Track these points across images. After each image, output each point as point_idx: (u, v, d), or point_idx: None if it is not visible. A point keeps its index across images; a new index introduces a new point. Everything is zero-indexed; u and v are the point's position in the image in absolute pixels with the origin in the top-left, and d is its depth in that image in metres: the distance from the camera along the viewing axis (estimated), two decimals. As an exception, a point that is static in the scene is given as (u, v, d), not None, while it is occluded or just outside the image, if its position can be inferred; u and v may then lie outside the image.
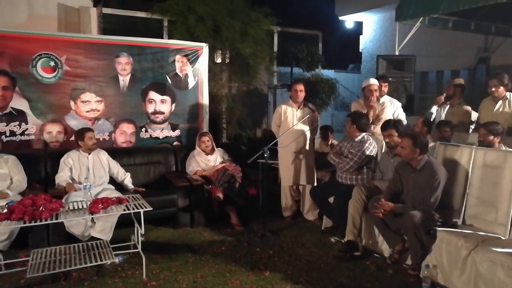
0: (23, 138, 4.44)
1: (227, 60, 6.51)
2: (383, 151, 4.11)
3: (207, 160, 4.81)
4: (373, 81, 4.40)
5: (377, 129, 4.30)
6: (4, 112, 4.34)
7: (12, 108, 4.37)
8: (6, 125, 4.35)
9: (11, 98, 4.36)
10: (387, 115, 4.38)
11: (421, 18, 6.19)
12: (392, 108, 4.55)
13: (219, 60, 6.43)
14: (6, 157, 3.89)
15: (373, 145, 4.00)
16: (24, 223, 2.84)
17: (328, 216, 4.28)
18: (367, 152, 3.95)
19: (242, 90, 6.63)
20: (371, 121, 4.30)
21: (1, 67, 4.28)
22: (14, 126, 4.39)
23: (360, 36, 11.65)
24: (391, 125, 3.83)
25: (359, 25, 11.66)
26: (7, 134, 4.35)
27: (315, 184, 4.72)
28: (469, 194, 3.35)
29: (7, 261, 3.21)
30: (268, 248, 3.84)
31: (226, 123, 6.56)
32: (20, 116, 4.41)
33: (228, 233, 4.23)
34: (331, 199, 4.21)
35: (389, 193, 3.48)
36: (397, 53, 6.45)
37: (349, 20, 11.52)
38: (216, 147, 4.93)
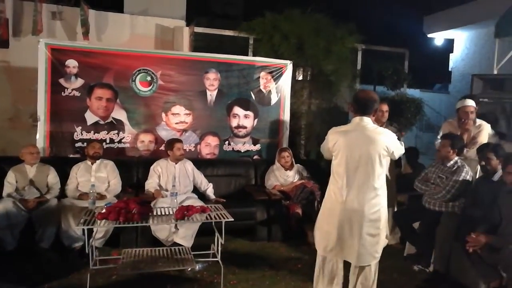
0: (120, 145, 4.86)
1: (309, 77, 6.53)
2: (476, 176, 3.80)
3: (286, 175, 4.83)
4: (470, 102, 4.09)
5: (471, 152, 3.99)
6: (106, 121, 4.80)
7: (113, 118, 4.82)
8: (107, 133, 4.80)
9: (113, 109, 4.81)
10: (484, 138, 4.05)
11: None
12: (489, 131, 4.20)
13: (300, 77, 6.48)
14: (106, 162, 4.29)
15: (469, 173, 3.70)
16: (119, 223, 3.08)
17: (412, 242, 4.03)
18: (461, 179, 3.66)
19: (322, 107, 6.59)
20: (465, 144, 4.00)
21: (107, 81, 4.76)
22: (114, 134, 4.83)
23: (450, 54, 10.99)
24: (489, 148, 3.54)
25: (448, 43, 11.02)
26: (107, 141, 4.80)
27: (395, 208, 4.50)
28: None
29: (101, 257, 3.49)
30: (346, 270, 3.71)
31: (305, 140, 6.55)
32: (119, 125, 4.84)
33: (305, 251, 4.18)
34: (415, 225, 3.98)
35: (486, 224, 3.18)
36: (495, 72, 5.97)
37: (438, 38, 10.95)
38: (296, 163, 4.94)
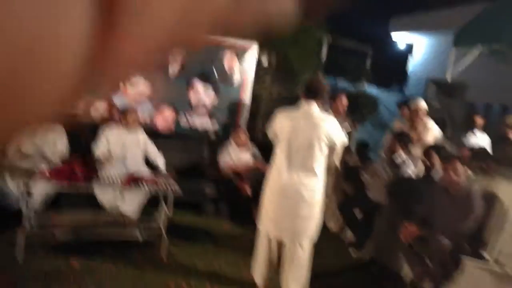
0: (72, 111, 4.64)
1: (273, 64, 6.55)
2: (419, 173, 4.02)
3: (240, 155, 4.86)
4: (422, 103, 4.32)
5: (417, 151, 4.21)
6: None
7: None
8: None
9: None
10: (430, 138, 4.29)
11: (480, 47, 6.00)
12: (434, 132, 4.44)
13: (265, 63, 6.49)
14: (53, 125, 4.10)
15: (412, 169, 3.92)
16: (62, 185, 3.01)
17: (352, 229, 4.22)
18: (404, 174, 3.87)
19: (283, 96, 6.65)
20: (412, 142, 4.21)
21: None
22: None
23: (410, 57, 11.44)
24: (433, 148, 3.76)
25: (410, 47, 11.45)
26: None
27: (340, 196, 4.67)
28: (505, 230, 3.21)
29: (40, 219, 3.37)
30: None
31: (262, 125, 6.60)
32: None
33: (250, 229, 4.23)
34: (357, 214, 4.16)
35: (420, 216, 3.39)
36: (449, 79, 6.29)
37: (401, 40, 11.35)
38: (250, 145, 4.98)
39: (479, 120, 4.80)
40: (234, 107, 5.51)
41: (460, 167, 3.17)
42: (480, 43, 5.74)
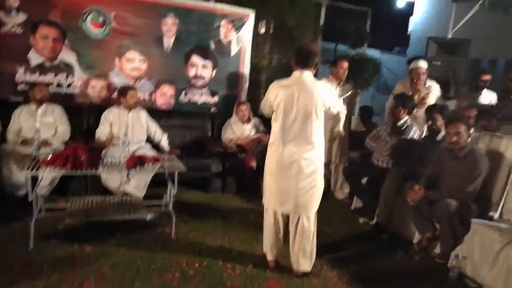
0: (68, 90, 4.59)
1: (271, 31, 6.39)
2: (423, 135, 3.98)
3: (243, 128, 4.83)
4: (422, 64, 4.21)
5: (420, 112, 4.15)
6: (54, 63, 4.48)
7: (61, 60, 4.50)
8: (55, 76, 4.50)
9: (61, 50, 4.48)
10: (432, 99, 4.21)
11: (481, 0, 5.80)
12: (437, 92, 4.36)
13: (263, 30, 6.33)
14: (53, 106, 4.06)
15: (416, 132, 3.87)
16: (66, 170, 2.98)
17: (360, 196, 4.23)
18: (409, 138, 3.83)
19: (283, 63, 6.53)
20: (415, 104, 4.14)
21: (53, 19, 4.39)
22: (62, 78, 4.54)
23: (410, 17, 11.13)
24: (436, 109, 3.70)
25: (410, 6, 11.12)
26: (55, 85, 4.51)
27: (347, 164, 4.66)
28: (510, 189, 3.21)
29: (47, 205, 3.39)
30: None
31: (264, 94, 6.51)
32: (67, 68, 4.54)
33: (257, 203, 4.22)
34: (363, 181, 4.15)
35: (426, 179, 3.38)
36: (450, 36, 6.12)
37: (401, 0, 11.00)
38: (253, 117, 4.93)
39: (485, 77, 4.69)
40: (234, 79, 5.42)
41: (462, 128, 3.12)
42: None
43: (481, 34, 7.59)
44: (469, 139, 3.26)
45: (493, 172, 3.23)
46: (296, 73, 2.72)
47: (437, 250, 3.29)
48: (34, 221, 2.96)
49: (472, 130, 3.61)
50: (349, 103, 4.51)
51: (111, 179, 3.81)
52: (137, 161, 3.25)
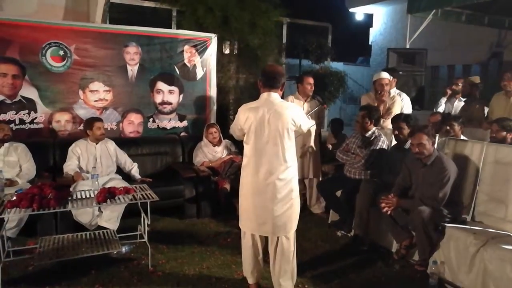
0: (32, 126, 4.46)
1: (236, 51, 6.46)
2: (391, 145, 4.07)
3: (214, 151, 4.80)
4: (385, 75, 4.34)
5: (387, 123, 4.26)
6: (14, 100, 4.35)
7: (21, 96, 4.38)
8: (16, 113, 4.37)
9: (21, 87, 4.36)
10: (397, 109, 4.33)
11: (434, 11, 6.08)
12: (401, 102, 4.49)
13: (227, 51, 6.39)
14: (16, 145, 3.92)
15: (385, 142, 3.95)
16: (33, 211, 2.86)
17: (335, 210, 4.26)
18: (378, 148, 3.90)
19: (250, 82, 6.58)
20: (381, 115, 4.24)
21: (11, 56, 4.29)
22: (24, 114, 4.40)
23: (370, 28, 11.52)
24: (401, 118, 3.80)
25: (369, 18, 11.52)
26: (17, 122, 4.37)
27: (321, 178, 4.70)
28: (479, 191, 3.31)
29: (15, 248, 3.23)
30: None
31: (233, 115, 6.53)
32: (29, 104, 4.42)
33: (234, 225, 4.19)
34: (338, 193, 4.19)
35: (398, 188, 3.45)
36: (408, 46, 6.36)
37: (359, 12, 11.40)
38: (223, 139, 4.92)
39: (448, 91, 4.98)
40: (202, 102, 5.42)
41: (424, 139, 3.20)
42: (432, 7, 5.81)
43: (437, 42, 7.96)
44: (435, 146, 3.34)
45: (461, 176, 3.32)
46: (264, 95, 2.74)
47: (416, 257, 3.33)
48: (2, 265, 2.81)
49: (437, 136, 3.72)
50: (317, 118, 4.59)
51: (82, 214, 3.70)
52: (107, 195, 3.16)
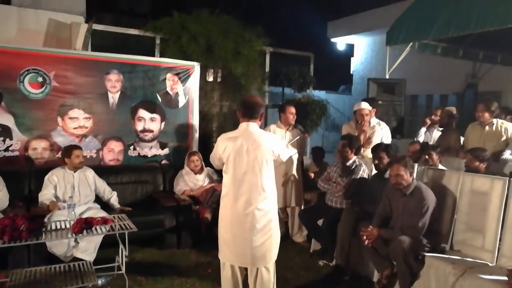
0: (7, 154, 4.34)
1: (219, 79, 6.51)
2: (372, 174, 4.10)
3: (195, 179, 4.75)
4: (365, 105, 4.42)
5: (367, 152, 4.31)
6: (-12, 127, 4.26)
7: (-4, 123, 4.29)
8: (-10, 141, 4.27)
9: (-4, 113, 4.28)
10: (377, 138, 4.40)
11: (411, 43, 6.28)
12: (381, 132, 4.56)
13: (211, 79, 6.43)
14: (-12, 173, 3.81)
15: (365, 171, 3.99)
16: (3, 243, 2.75)
17: (317, 239, 4.23)
18: (358, 177, 3.93)
19: (233, 109, 6.62)
20: (362, 144, 4.29)
21: (-13, 82, 4.22)
22: (-1, 141, 4.31)
23: (352, 58, 11.83)
24: (381, 148, 3.85)
25: (350, 48, 11.86)
26: (-9, 149, 4.27)
27: (303, 206, 4.69)
28: (457, 220, 3.34)
29: (-17, 282, 3.09)
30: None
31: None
32: (4, 131, 4.32)
33: (215, 255, 4.08)
34: (320, 222, 4.17)
35: (378, 218, 3.45)
36: (387, 77, 6.52)
37: (340, 42, 11.72)
38: (205, 167, 4.88)
39: (427, 121, 5.17)
40: (184, 130, 5.40)
41: (401, 170, 3.23)
42: (409, 40, 6.01)
43: (415, 73, 8.20)
44: (414, 175, 3.38)
45: (440, 205, 3.35)
46: (243, 125, 2.76)
47: (397, 287, 3.30)
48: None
49: (416, 166, 3.77)
50: (300, 146, 4.61)
51: (57, 245, 3.59)
52: (84, 225, 3.07)
